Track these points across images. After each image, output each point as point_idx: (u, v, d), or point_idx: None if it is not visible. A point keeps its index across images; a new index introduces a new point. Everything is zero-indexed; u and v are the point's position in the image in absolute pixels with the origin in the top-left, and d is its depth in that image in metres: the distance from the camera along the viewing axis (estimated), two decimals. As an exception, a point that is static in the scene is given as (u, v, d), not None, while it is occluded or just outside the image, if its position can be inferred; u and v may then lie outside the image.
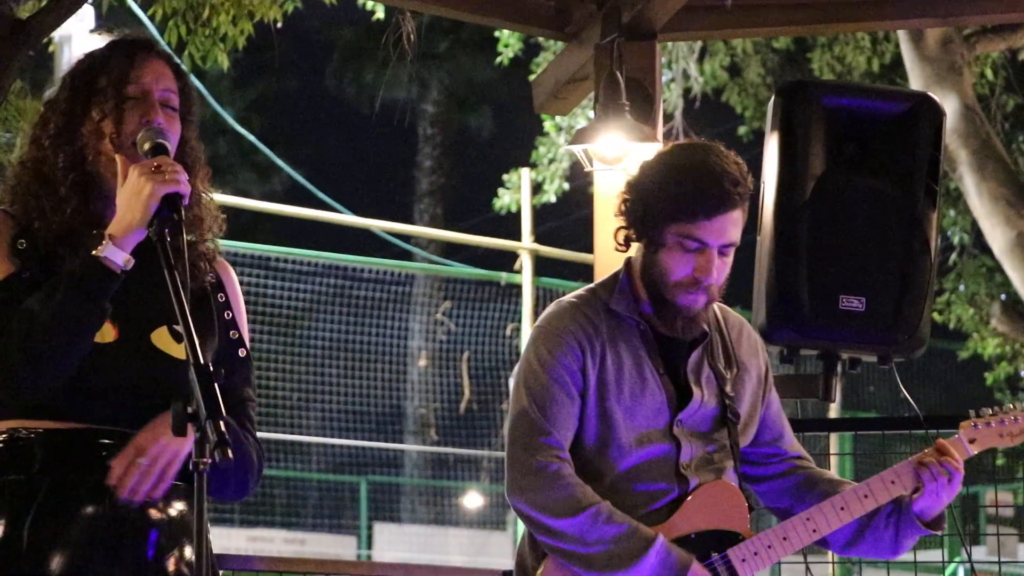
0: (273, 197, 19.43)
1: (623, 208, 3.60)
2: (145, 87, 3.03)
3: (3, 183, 3.12)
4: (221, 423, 2.61)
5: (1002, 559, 5.22)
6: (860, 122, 4.63)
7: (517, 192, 12.57)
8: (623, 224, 3.60)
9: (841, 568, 10.47)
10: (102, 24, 7.74)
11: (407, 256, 15.02)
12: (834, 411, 9.88)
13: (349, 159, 26.23)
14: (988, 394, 13.64)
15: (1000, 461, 12.15)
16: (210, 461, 2.62)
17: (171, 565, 2.97)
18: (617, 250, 3.65)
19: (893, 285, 4.58)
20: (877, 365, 4.75)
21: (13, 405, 2.93)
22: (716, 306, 3.66)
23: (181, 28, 6.53)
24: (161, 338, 3.01)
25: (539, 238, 11.78)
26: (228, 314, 3.16)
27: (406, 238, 14.71)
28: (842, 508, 3.61)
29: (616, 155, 5.80)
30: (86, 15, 7.99)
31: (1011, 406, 3.81)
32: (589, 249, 7.05)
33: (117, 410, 2.95)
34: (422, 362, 14.83)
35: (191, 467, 2.64)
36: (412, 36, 6.69)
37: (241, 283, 3.25)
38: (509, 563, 3.95)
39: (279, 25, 6.65)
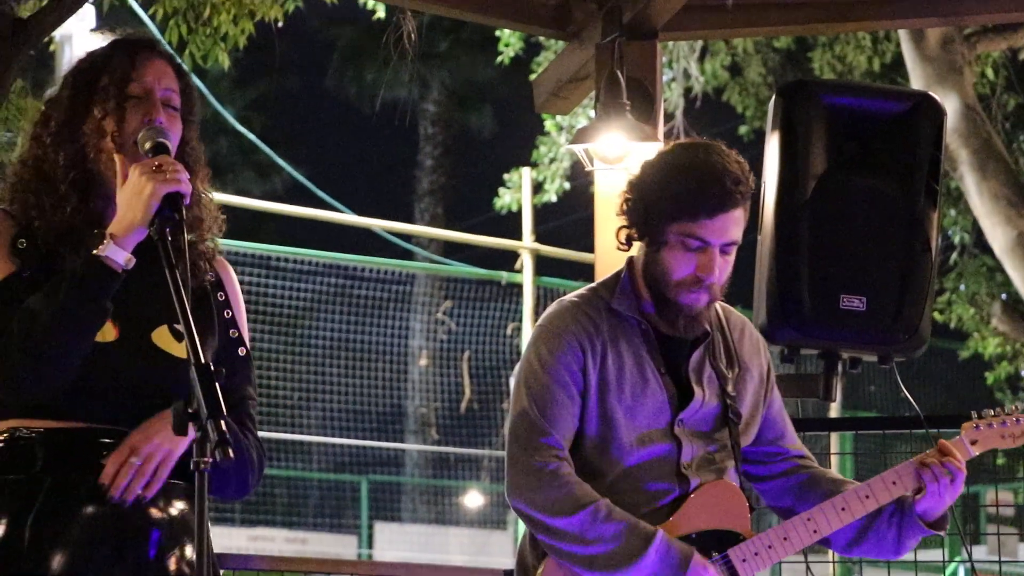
0: (274, 197, 19.42)
1: (625, 207, 3.59)
2: (147, 86, 3.03)
3: (3, 181, 3.12)
4: (222, 422, 2.61)
5: (1002, 558, 5.23)
6: (861, 121, 4.63)
7: (518, 191, 12.58)
8: (625, 223, 3.59)
9: (842, 568, 10.47)
10: (103, 23, 7.75)
11: (408, 255, 15.02)
12: (834, 410, 9.88)
13: (350, 158, 26.26)
14: (988, 393, 13.67)
15: (1000, 461, 12.16)
16: (211, 460, 2.61)
17: (172, 564, 2.97)
18: (619, 249, 3.64)
19: (894, 284, 4.58)
20: (878, 364, 4.75)
21: (15, 405, 2.93)
22: (718, 305, 3.65)
23: (182, 27, 6.54)
24: (162, 337, 3.01)
25: (540, 237, 11.80)
26: (228, 313, 3.16)
27: (407, 237, 14.71)
28: (843, 509, 3.60)
29: (617, 154, 5.79)
30: (87, 14, 8.01)
31: (1013, 407, 3.80)
32: (590, 249, 7.03)
33: (118, 409, 2.95)
34: (423, 361, 14.84)
35: (192, 467, 2.64)
36: (413, 35, 6.69)
37: (242, 283, 3.25)
38: (510, 562, 3.96)
39: (280, 24, 6.66)
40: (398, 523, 16.93)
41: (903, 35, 11.13)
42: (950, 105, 10.43)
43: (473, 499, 16.82)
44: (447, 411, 14.85)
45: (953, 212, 13.43)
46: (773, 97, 4.79)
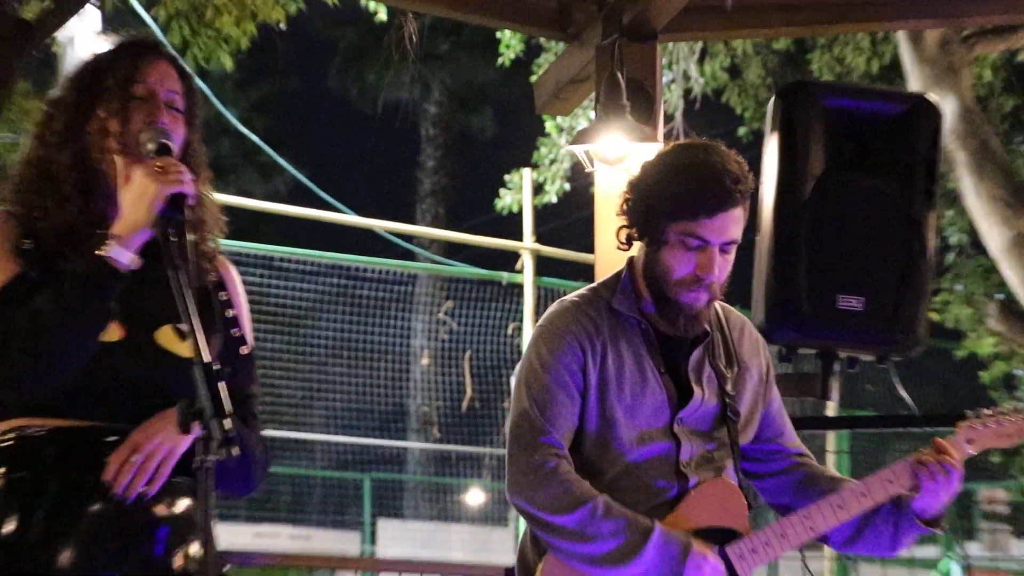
0: (276, 197, 19.40)
1: (625, 207, 3.61)
2: (151, 88, 3.06)
3: (7, 182, 3.13)
4: (226, 421, 2.64)
5: (996, 555, 5.26)
6: (859, 123, 4.69)
7: (519, 192, 12.56)
8: (625, 223, 3.61)
9: (837, 564, 10.52)
10: (106, 25, 7.77)
11: (410, 256, 14.99)
12: (832, 409, 9.87)
13: (352, 159, 26.23)
14: (984, 393, 13.56)
15: (994, 458, 12.20)
16: (215, 459, 2.64)
17: (178, 561, 3.00)
18: (619, 249, 3.66)
19: (891, 285, 4.63)
20: (875, 364, 4.80)
21: (21, 404, 2.96)
22: (718, 305, 3.67)
23: (185, 29, 6.60)
24: (165, 336, 3.03)
25: (540, 238, 11.75)
26: (230, 312, 3.19)
27: (408, 238, 14.65)
28: (840, 507, 3.62)
29: (617, 155, 5.81)
30: (90, 16, 7.95)
31: (1009, 407, 3.81)
32: (590, 249, 6.97)
33: (123, 408, 2.98)
34: (424, 361, 14.75)
35: (196, 464, 2.66)
36: (414, 37, 6.73)
37: (245, 283, 3.24)
38: (511, 559, 3.97)
39: (282, 26, 6.71)
40: (400, 520, 16.88)
41: (901, 37, 11.16)
42: (948, 107, 10.46)
43: (474, 496, 16.80)
44: (449, 410, 14.73)
45: (950, 213, 13.41)
46: (772, 98, 4.85)
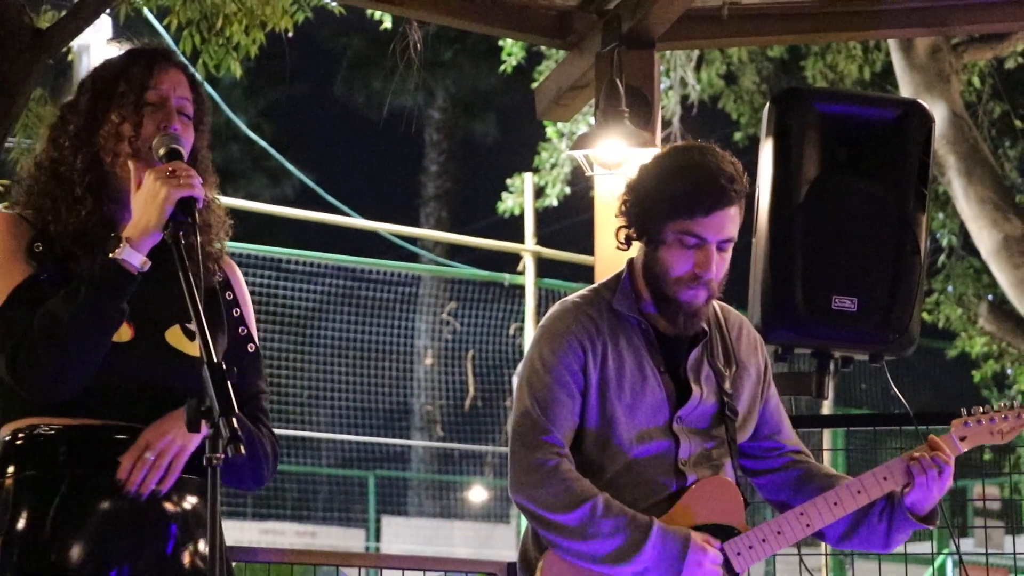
0: (284, 201, 19.35)
1: (623, 208, 3.63)
2: (163, 94, 3.08)
3: (19, 185, 3.16)
4: (234, 419, 2.65)
5: (989, 551, 5.32)
6: (852, 128, 4.69)
7: (520, 196, 12.58)
8: (624, 223, 3.63)
9: (834, 560, 10.60)
10: (120, 33, 7.79)
11: (413, 258, 14.93)
12: (827, 408, 9.94)
13: (358, 164, 26.12)
14: (975, 391, 13.60)
15: (987, 456, 12.13)
16: (223, 456, 2.65)
17: (187, 559, 3.02)
18: (618, 249, 3.69)
19: (884, 286, 4.63)
20: (869, 363, 4.79)
21: (35, 404, 2.98)
22: (717, 305, 3.69)
23: (195, 37, 6.51)
24: (175, 336, 3.05)
25: (541, 240, 11.80)
26: (236, 311, 3.19)
27: (412, 240, 14.59)
28: (835, 503, 3.63)
29: (616, 160, 5.86)
30: (104, 25, 7.98)
31: (1001, 405, 3.84)
32: (590, 251, 6.96)
33: (133, 407, 2.99)
34: (428, 360, 14.70)
35: (204, 462, 2.67)
36: (419, 45, 6.73)
37: (252, 284, 3.34)
38: (513, 555, 3.96)
39: (290, 35, 6.61)
40: (404, 517, 16.83)
41: (892, 45, 11.15)
42: (938, 112, 10.41)
43: (477, 494, 16.71)
44: (452, 408, 14.57)
45: (941, 216, 13.41)
46: (767, 104, 4.85)
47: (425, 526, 16.57)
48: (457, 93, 23.19)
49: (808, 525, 3.65)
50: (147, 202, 2.93)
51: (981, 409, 3.82)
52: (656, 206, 3.56)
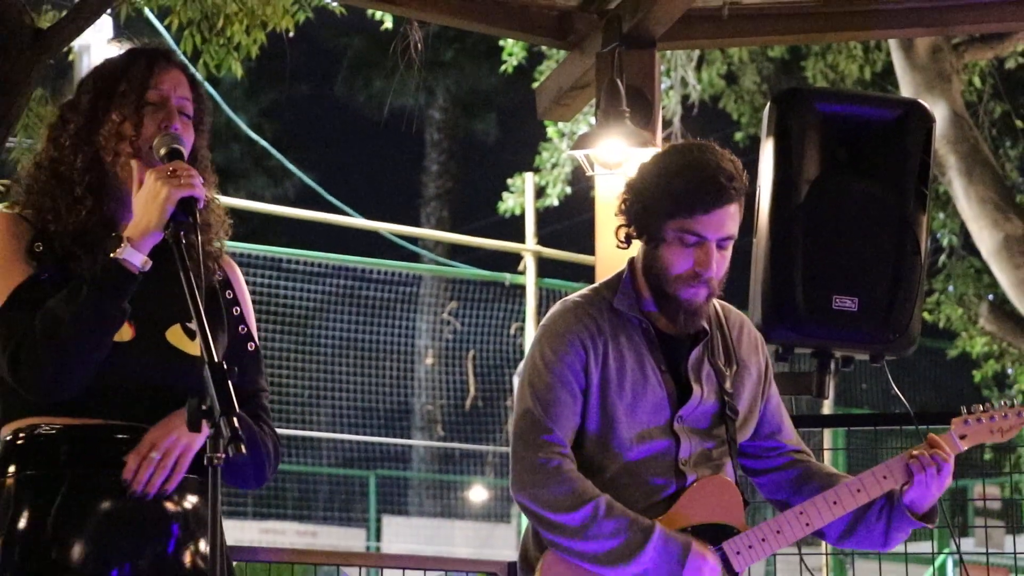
0: (285, 201, 19.34)
1: (623, 207, 3.64)
2: (164, 94, 3.08)
3: (19, 184, 3.15)
4: (235, 419, 2.65)
5: (990, 550, 5.32)
6: (853, 128, 4.70)
7: (521, 196, 12.58)
8: (624, 222, 3.64)
9: (834, 560, 10.61)
10: (120, 33, 7.77)
11: (414, 258, 14.90)
12: (827, 407, 9.95)
13: (359, 164, 26.13)
14: (976, 391, 13.55)
15: (988, 456, 12.19)
16: (224, 456, 2.65)
17: (188, 559, 3.02)
18: (618, 247, 3.69)
19: (885, 285, 4.64)
20: (869, 363, 4.79)
21: (36, 403, 2.98)
22: (717, 304, 3.70)
23: (196, 37, 6.49)
24: (175, 336, 3.05)
25: (542, 240, 11.80)
26: (236, 310, 3.20)
27: (413, 240, 14.59)
28: (834, 502, 3.64)
29: (617, 160, 5.85)
30: (104, 25, 7.89)
31: (1001, 403, 3.84)
32: (591, 251, 6.86)
33: (134, 407, 2.99)
34: (429, 360, 14.68)
35: (205, 462, 2.67)
36: (419, 45, 6.71)
37: (253, 284, 3.34)
38: (513, 555, 3.98)
39: (291, 35, 6.58)
40: (405, 516, 16.83)
41: (893, 44, 11.16)
42: (939, 112, 10.40)
43: (478, 493, 16.73)
44: (452, 408, 14.58)
45: (942, 215, 13.40)
46: (768, 104, 4.86)
47: (426, 526, 16.58)
48: (458, 93, 23.19)
49: (807, 524, 3.65)
50: (148, 202, 2.93)
51: (981, 407, 3.82)
52: (656, 204, 3.56)
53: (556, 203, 13.22)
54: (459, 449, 15.76)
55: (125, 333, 2.99)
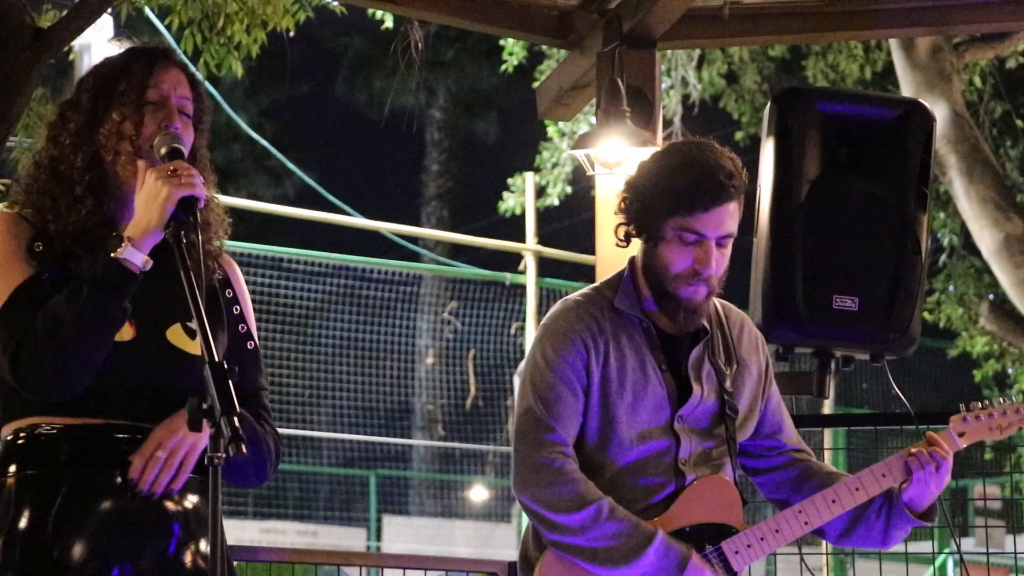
0: (285, 200, 19.42)
1: (623, 205, 3.64)
2: (164, 93, 3.09)
3: (18, 184, 3.15)
4: (235, 419, 2.65)
5: (990, 550, 5.32)
6: (853, 127, 4.70)
7: (521, 195, 12.60)
8: (623, 221, 3.64)
9: (835, 559, 10.60)
10: (121, 33, 7.77)
11: (415, 257, 14.92)
12: (828, 407, 9.95)
13: (359, 163, 26.21)
14: (976, 391, 13.46)
15: (988, 455, 12.20)
16: (224, 455, 2.65)
17: (188, 558, 3.02)
18: (618, 246, 3.69)
19: (885, 285, 4.64)
20: (869, 363, 4.79)
21: (37, 403, 2.98)
22: (718, 303, 3.70)
23: (197, 37, 6.50)
24: (176, 335, 3.06)
25: (542, 240, 11.80)
26: (236, 309, 3.21)
27: (414, 240, 14.59)
28: (833, 501, 3.64)
29: (617, 159, 5.85)
30: (105, 24, 7.93)
31: (1000, 401, 3.84)
32: (591, 250, 6.84)
33: (135, 406, 3.00)
34: (429, 360, 14.68)
35: (206, 461, 2.68)
36: (420, 45, 6.70)
37: (254, 284, 3.34)
38: (513, 554, 3.97)
39: (291, 34, 6.58)
40: (405, 516, 16.85)
41: (894, 44, 11.17)
42: (939, 112, 10.39)
43: (478, 493, 16.74)
44: (453, 408, 14.57)
45: (942, 215, 13.40)
46: (768, 104, 4.86)
47: (426, 525, 16.59)
48: (458, 92, 23.22)
49: (807, 523, 3.65)
50: (149, 201, 2.93)
51: (980, 405, 3.82)
52: (655, 203, 3.57)
53: (556, 203, 13.24)
54: (459, 449, 15.75)
55: (126, 333, 2.99)
